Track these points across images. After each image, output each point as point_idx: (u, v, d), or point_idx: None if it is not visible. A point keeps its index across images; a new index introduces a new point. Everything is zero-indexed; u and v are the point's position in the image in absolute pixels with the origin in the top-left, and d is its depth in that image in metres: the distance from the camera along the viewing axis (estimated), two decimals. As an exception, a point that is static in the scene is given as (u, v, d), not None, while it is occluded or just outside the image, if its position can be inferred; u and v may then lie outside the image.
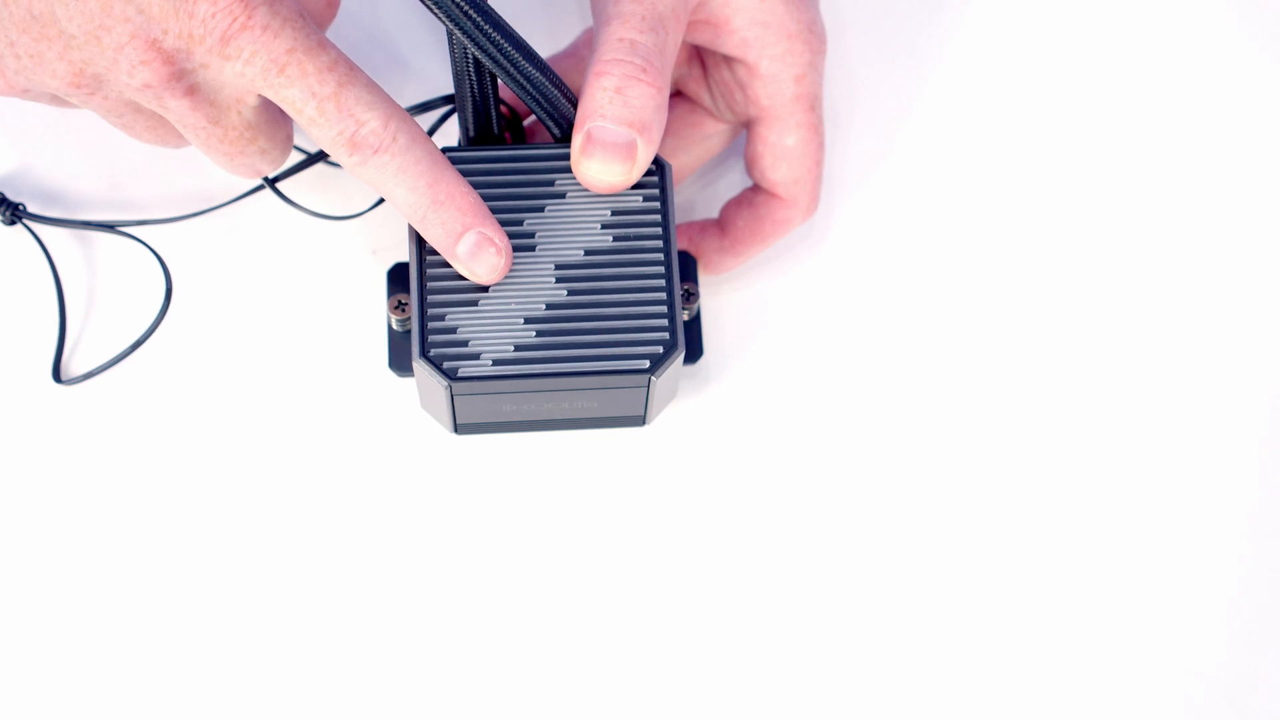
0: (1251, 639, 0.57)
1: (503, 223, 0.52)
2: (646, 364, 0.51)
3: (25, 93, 0.51)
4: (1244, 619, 0.58)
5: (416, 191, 0.49)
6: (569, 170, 0.53)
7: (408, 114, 0.49)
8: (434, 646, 0.56)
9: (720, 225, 0.59)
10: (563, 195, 0.53)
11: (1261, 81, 0.65)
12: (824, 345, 0.60)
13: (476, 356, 0.51)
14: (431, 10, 0.49)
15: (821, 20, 0.57)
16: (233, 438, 0.58)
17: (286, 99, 0.48)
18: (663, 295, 0.52)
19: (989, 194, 0.63)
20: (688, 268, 0.57)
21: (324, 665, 0.56)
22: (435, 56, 0.63)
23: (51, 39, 0.47)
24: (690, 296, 0.55)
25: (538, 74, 0.51)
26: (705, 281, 0.60)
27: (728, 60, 0.57)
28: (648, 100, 0.51)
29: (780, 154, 0.57)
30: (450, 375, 0.51)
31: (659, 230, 0.52)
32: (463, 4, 0.49)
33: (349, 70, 0.48)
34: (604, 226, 0.52)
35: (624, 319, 0.51)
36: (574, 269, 0.52)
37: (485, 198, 0.52)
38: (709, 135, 0.60)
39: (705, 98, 0.59)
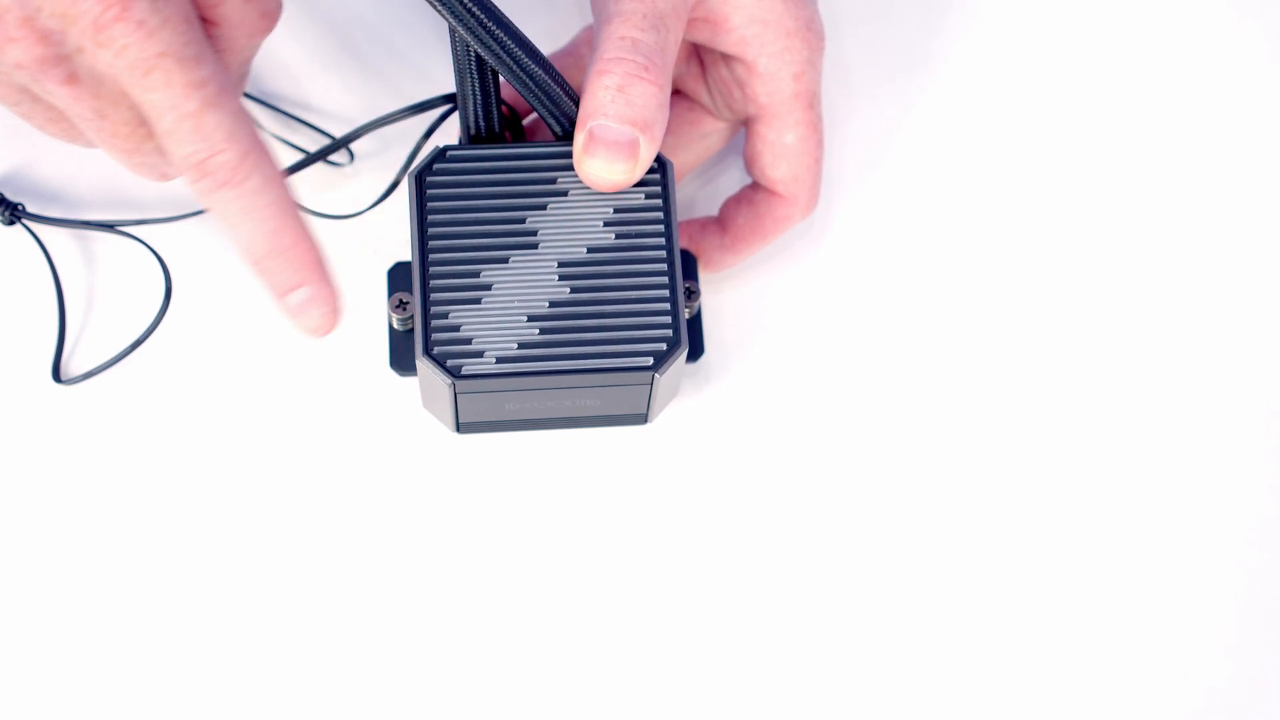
0: (1251, 640, 0.58)
1: (505, 220, 0.52)
2: (650, 361, 0.51)
3: None
4: (1244, 620, 0.58)
5: (256, 235, 0.47)
6: (571, 168, 0.53)
7: (268, 152, 0.47)
8: (436, 646, 0.56)
9: (720, 223, 0.59)
10: (565, 193, 0.53)
11: (1261, 82, 0.65)
12: (825, 342, 0.60)
13: (480, 354, 0.51)
14: (434, 7, 0.49)
15: (820, 18, 0.57)
16: (233, 438, 0.58)
17: (147, 102, 0.46)
18: (665, 292, 0.52)
19: (987, 191, 0.63)
20: (688, 266, 0.57)
21: (325, 665, 0.56)
22: (436, 54, 0.63)
23: None
24: (691, 294, 0.55)
25: (540, 71, 0.51)
26: (706, 279, 0.60)
27: (726, 58, 0.57)
28: (650, 98, 0.51)
29: (779, 151, 0.57)
30: (454, 374, 0.51)
31: (661, 228, 0.53)
32: (466, 1, 0.49)
33: (219, 91, 0.46)
34: (606, 224, 0.52)
35: (627, 316, 0.51)
36: (577, 266, 0.52)
37: (487, 195, 0.52)
38: (708, 133, 0.60)
39: (704, 96, 0.59)
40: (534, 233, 0.52)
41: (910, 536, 0.58)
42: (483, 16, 0.49)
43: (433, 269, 0.51)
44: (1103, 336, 0.61)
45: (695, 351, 0.56)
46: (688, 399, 0.59)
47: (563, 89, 0.52)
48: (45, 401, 0.58)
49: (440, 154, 0.53)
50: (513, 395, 0.52)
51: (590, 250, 0.52)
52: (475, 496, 0.58)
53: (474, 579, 0.57)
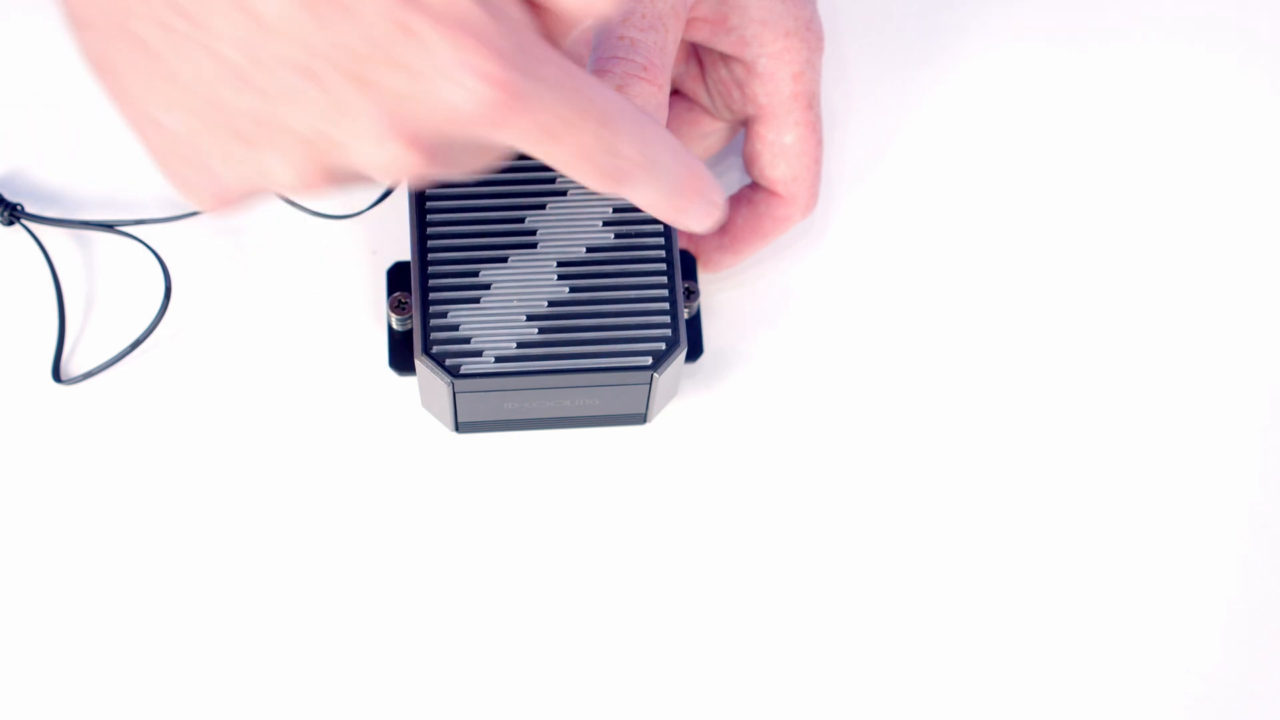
0: (1250, 639, 0.57)
1: (504, 220, 0.52)
2: (649, 360, 0.51)
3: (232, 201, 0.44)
4: (1243, 619, 0.58)
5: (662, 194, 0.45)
6: None
7: (661, 126, 0.45)
8: (435, 645, 0.56)
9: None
10: (564, 193, 0.53)
11: (1261, 84, 0.65)
12: (824, 342, 0.60)
13: (479, 354, 0.51)
14: None
15: (819, 18, 0.57)
16: (233, 438, 0.58)
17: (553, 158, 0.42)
18: (665, 292, 0.52)
19: (986, 190, 0.63)
20: (687, 266, 0.57)
21: (325, 664, 0.56)
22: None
23: None
24: (690, 295, 0.55)
25: None
26: (705, 279, 0.60)
27: (725, 59, 0.57)
28: (649, 98, 0.51)
29: (779, 152, 0.57)
30: (453, 373, 0.51)
31: (660, 227, 0.53)
32: None
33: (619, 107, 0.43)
34: (605, 224, 0.52)
35: (626, 315, 0.52)
36: (576, 266, 0.52)
37: (486, 195, 0.52)
38: (707, 134, 0.60)
39: (703, 96, 0.59)
40: (533, 232, 0.52)
41: (910, 535, 0.58)
42: None
43: (431, 268, 0.51)
44: (1102, 335, 0.61)
45: (694, 351, 0.56)
46: (687, 399, 0.59)
47: None
48: (45, 401, 0.58)
49: None
50: (511, 395, 0.52)
51: (589, 250, 0.52)
52: (475, 496, 0.58)
53: (474, 578, 0.57)
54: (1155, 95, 0.65)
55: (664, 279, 0.52)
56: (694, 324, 0.57)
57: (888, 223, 0.62)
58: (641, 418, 0.55)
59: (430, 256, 0.52)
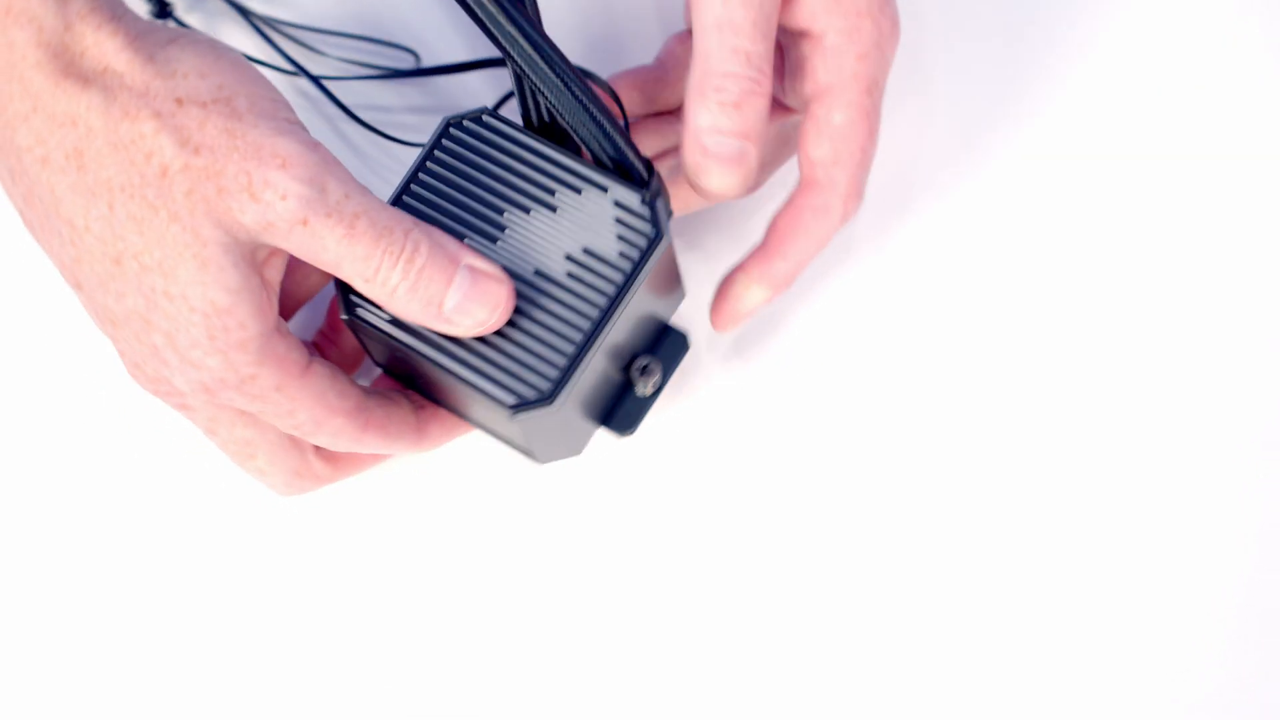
0: (1251, 639, 0.57)
1: (486, 203, 0.52)
2: (513, 400, 0.50)
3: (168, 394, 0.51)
4: (1243, 619, 0.57)
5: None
6: (577, 188, 0.51)
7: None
8: (431, 646, 0.57)
9: (765, 235, 0.57)
10: (554, 209, 0.51)
11: (1262, 84, 0.64)
12: (823, 343, 0.60)
13: (385, 314, 0.51)
14: (512, 61, 0.50)
15: (895, 6, 0.54)
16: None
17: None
18: (572, 348, 0.50)
19: (993, 197, 0.62)
20: (673, 349, 0.55)
21: (321, 664, 0.57)
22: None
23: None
24: (646, 373, 0.54)
25: (603, 122, 0.51)
26: (704, 275, 0.60)
27: (795, 36, 0.55)
28: (762, 112, 0.51)
29: (824, 130, 0.53)
30: (347, 310, 0.50)
31: (612, 289, 0.51)
32: (541, 66, 0.49)
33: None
34: (567, 257, 0.51)
35: (525, 350, 0.50)
36: (516, 279, 0.51)
37: (488, 174, 0.52)
38: (787, 129, 0.58)
39: (777, 88, 0.57)
40: (501, 228, 0.51)
41: (907, 538, 0.58)
42: (558, 80, 0.49)
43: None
44: (1107, 344, 0.60)
45: (628, 426, 0.55)
46: (682, 402, 0.59)
47: (612, 124, 0.51)
48: (45, 401, 0.58)
49: (481, 113, 0.52)
50: (402, 357, 0.51)
51: (536, 273, 0.51)
52: (468, 496, 0.59)
53: (469, 579, 0.58)
54: (1165, 96, 0.62)
55: (579, 335, 0.50)
56: (644, 403, 0.55)
57: (887, 225, 0.61)
58: (530, 454, 0.53)
59: (404, 199, 0.52)
